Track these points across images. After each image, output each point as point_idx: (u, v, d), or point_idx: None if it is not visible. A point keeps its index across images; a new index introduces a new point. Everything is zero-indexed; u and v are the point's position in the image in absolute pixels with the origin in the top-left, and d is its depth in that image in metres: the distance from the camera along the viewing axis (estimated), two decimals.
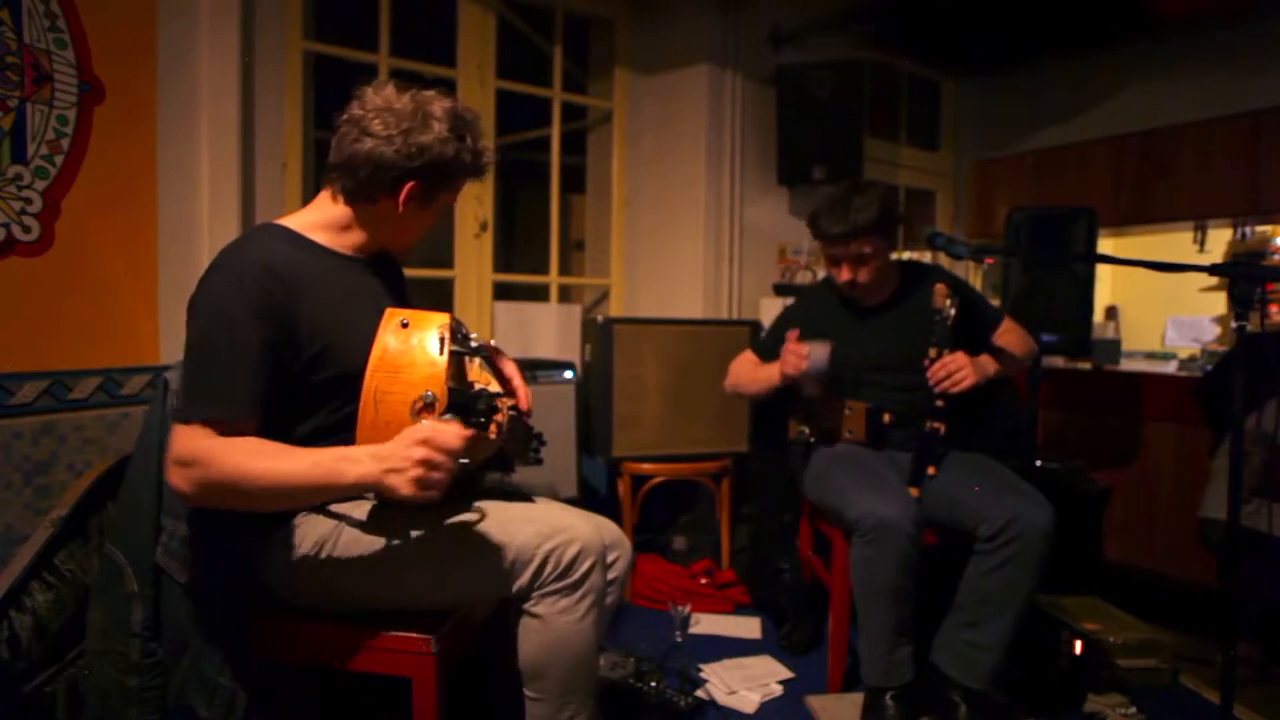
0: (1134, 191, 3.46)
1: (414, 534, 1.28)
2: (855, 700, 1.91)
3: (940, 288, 1.99)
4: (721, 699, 2.02)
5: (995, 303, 2.78)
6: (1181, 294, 4.41)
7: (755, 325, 2.87)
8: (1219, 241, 3.83)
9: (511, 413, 1.37)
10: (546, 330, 3.11)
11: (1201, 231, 3.70)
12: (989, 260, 3.80)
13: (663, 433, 2.78)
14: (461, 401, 1.20)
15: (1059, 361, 3.46)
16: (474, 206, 2.96)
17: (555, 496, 1.64)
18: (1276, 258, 3.67)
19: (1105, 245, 3.71)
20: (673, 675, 2.06)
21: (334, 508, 1.34)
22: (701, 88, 3.18)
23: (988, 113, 4.11)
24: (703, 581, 2.72)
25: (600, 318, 2.76)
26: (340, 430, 1.23)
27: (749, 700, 2.02)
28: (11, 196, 1.83)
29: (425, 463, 1.07)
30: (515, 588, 1.27)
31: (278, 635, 1.35)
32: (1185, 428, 3.00)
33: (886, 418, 2.07)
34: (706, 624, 2.48)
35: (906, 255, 2.28)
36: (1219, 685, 1.46)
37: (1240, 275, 1.44)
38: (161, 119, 2.14)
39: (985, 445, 2.09)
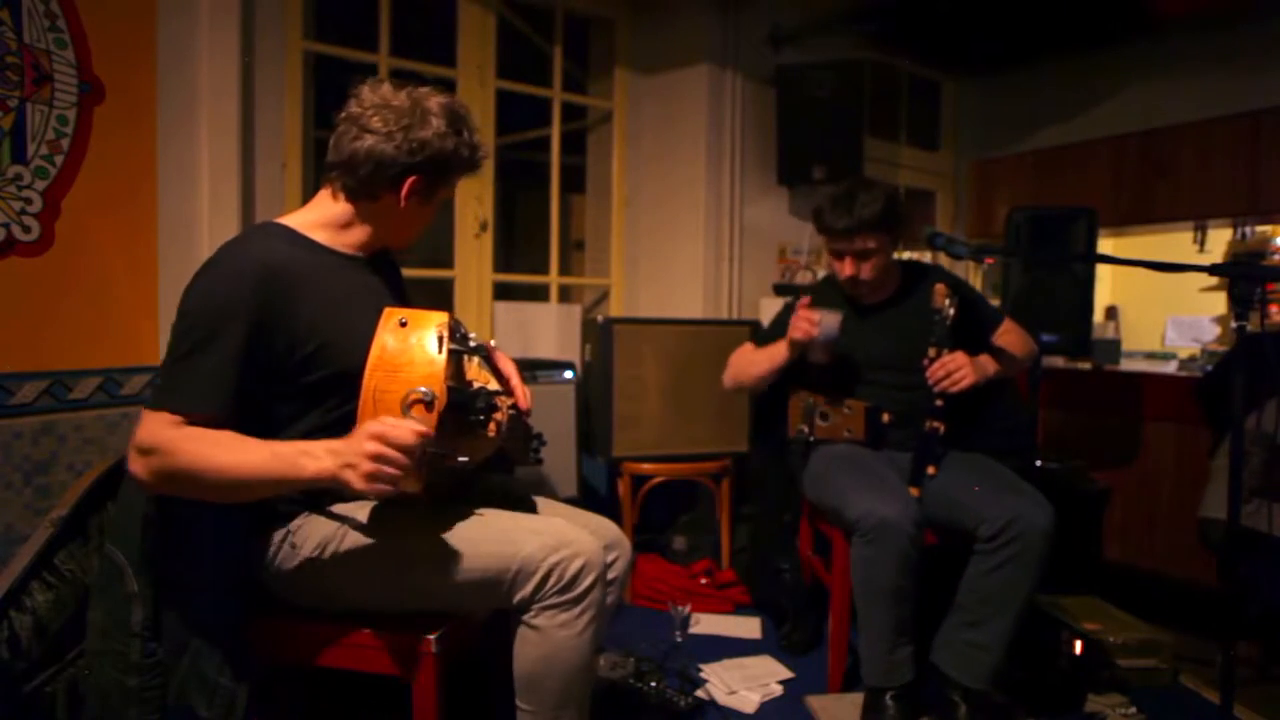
0: (1134, 191, 3.46)
1: (415, 537, 1.28)
2: (855, 700, 1.90)
3: (940, 287, 1.99)
4: (721, 699, 2.02)
5: (995, 303, 2.78)
6: (1181, 294, 4.41)
7: (755, 325, 2.86)
8: (1219, 241, 3.83)
9: (511, 411, 1.36)
10: (546, 330, 3.11)
11: (1201, 231, 3.70)
12: (989, 260, 3.81)
13: (663, 433, 2.78)
14: (460, 400, 1.20)
15: (1059, 361, 3.46)
16: (474, 206, 2.96)
17: (555, 496, 1.64)
18: (1276, 258, 3.67)
19: (1105, 245, 3.71)
20: (673, 675, 2.06)
21: (336, 509, 1.34)
22: (701, 88, 3.18)
23: (988, 113, 4.11)
24: (703, 581, 2.72)
25: (600, 318, 2.75)
26: (336, 429, 1.23)
27: (749, 700, 2.02)
28: (11, 196, 1.83)
29: (377, 458, 1.07)
30: (517, 598, 1.26)
31: (278, 635, 1.35)
32: (1185, 428, 3.00)
33: (886, 417, 2.07)
34: (706, 624, 2.48)
35: (906, 255, 2.28)
36: (1219, 685, 1.46)
37: (1240, 275, 1.44)
38: (161, 119, 2.14)
39: (985, 445, 2.09)
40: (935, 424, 1.97)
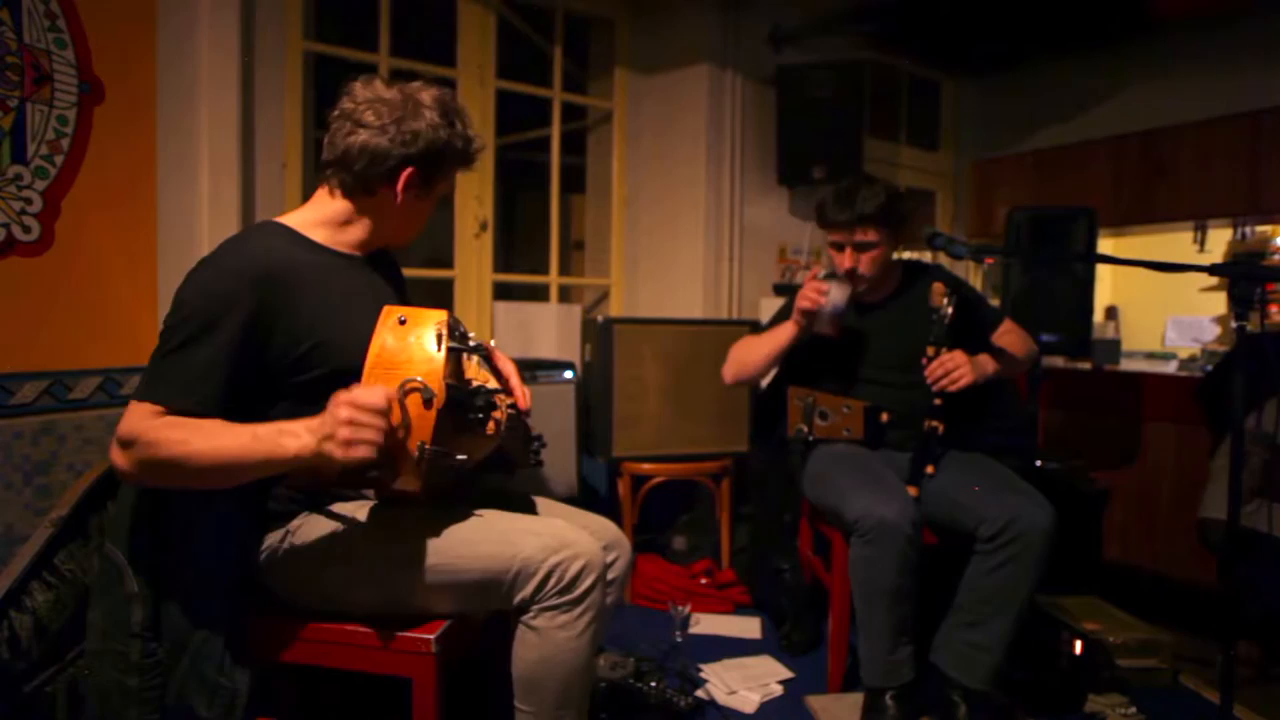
0: (1134, 191, 3.46)
1: (415, 538, 1.28)
2: (855, 700, 1.90)
3: (937, 286, 1.99)
4: (721, 699, 2.02)
5: (995, 303, 2.78)
6: (1181, 294, 4.42)
7: (755, 325, 2.86)
8: (1219, 241, 3.83)
9: (510, 411, 1.36)
10: (546, 330, 3.11)
11: (1201, 231, 3.70)
12: (989, 260, 3.80)
13: (663, 433, 2.78)
14: (459, 398, 1.20)
15: (1059, 361, 3.46)
16: (474, 206, 2.96)
17: (555, 496, 1.63)
18: (1276, 258, 3.68)
19: (1105, 245, 3.72)
20: (673, 675, 2.06)
21: (336, 509, 1.34)
22: (701, 88, 3.18)
23: (988, 113, 4.11)
24: (703, 581, 2.72)
25: (600, 318, 2.76)
26: None
27: (749, 700, 2.02)
28: (11, 196, 1.83)
29: (351, 422, 1.06)
30: (517, 599, 1.26)
31: (278, 635, 1.35)
32: (1185, 428, 3.00)
33: (884, 417, 2.07)
34: (706, 624, 2.48)
35: (907, 255, 2.28)
36: (1219, 685, 1.46)
37: (1240, 275, 1.44)
38: (161, 119, 2.14)
39: (984, 445, 2.09)
40: (934, 423, 1.97)
